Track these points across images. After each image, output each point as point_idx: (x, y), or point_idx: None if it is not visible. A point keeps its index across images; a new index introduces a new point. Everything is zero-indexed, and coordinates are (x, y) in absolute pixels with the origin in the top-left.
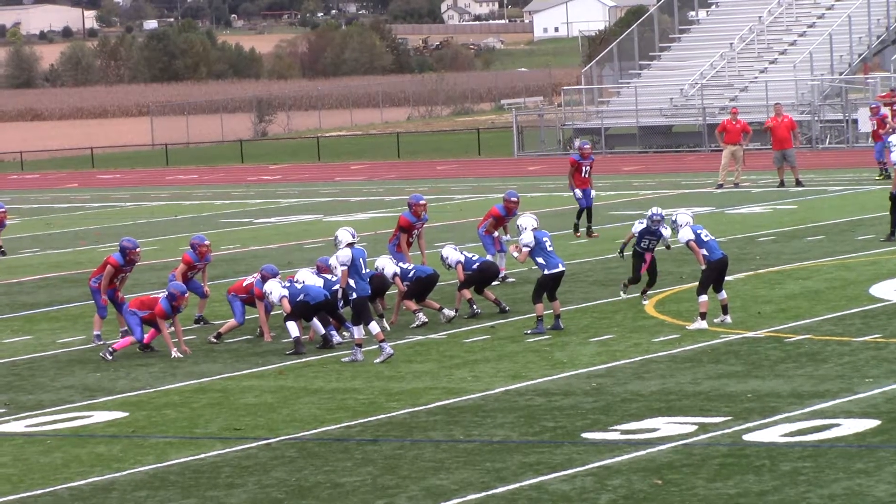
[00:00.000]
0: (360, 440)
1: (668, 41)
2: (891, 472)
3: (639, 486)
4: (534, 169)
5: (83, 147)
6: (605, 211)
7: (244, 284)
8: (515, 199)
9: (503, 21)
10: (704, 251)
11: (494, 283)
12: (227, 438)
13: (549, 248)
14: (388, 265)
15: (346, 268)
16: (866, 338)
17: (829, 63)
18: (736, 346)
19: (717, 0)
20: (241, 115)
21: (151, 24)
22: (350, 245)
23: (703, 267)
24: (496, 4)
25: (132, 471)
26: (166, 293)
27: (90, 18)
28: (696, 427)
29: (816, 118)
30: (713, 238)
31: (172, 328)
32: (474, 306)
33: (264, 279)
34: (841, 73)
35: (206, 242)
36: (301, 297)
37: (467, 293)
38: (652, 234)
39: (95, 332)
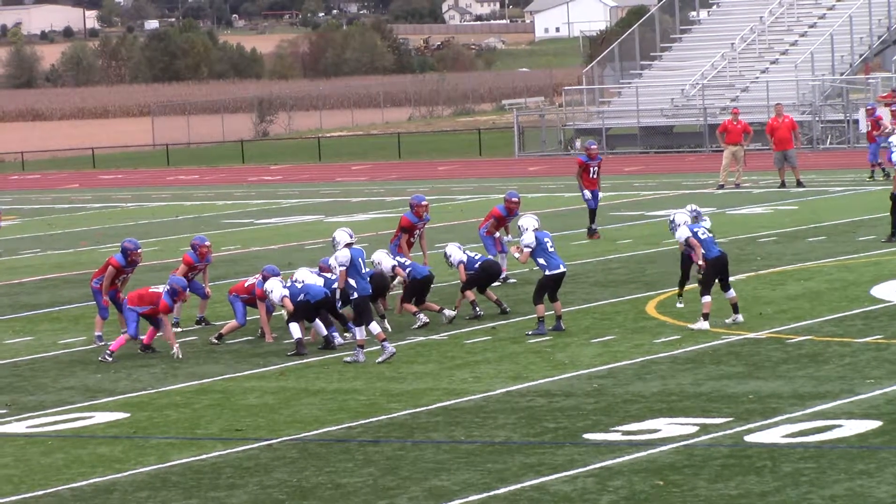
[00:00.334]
0: (362, 441)
1: (670, 41)
2: (892, 473)
3: (640, 486)
4: (535, 169)
5: (84, 147)
6: (606, 212)
7: (245, 285)
8: (516, 200)
9: (504, 21)
10: (703, 250)
11: (495, 283)
12: (229, 439)
13: (551, 249)
14: (384, 258)
15: (344, 268)
16: (867, 339)
17: (830, 63)
18: (737, 347)
19: (719, 0)
20: (243, 116)
21: (153, 24)
22: (348, 245)
23: (700, 263)
24: (497, 4)
25: (133, 471)
26: (168, 287)
27: (91, 18)
28: (697, 428)
29: (817, 118)
30: (711, 236)
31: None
32: (477, 308)
33: (265, 279)
34: (842, 74)
35: (207, 243)
36: (302, 296)
37: (470, 294)
38: (698, 223)
39: (97, 333)
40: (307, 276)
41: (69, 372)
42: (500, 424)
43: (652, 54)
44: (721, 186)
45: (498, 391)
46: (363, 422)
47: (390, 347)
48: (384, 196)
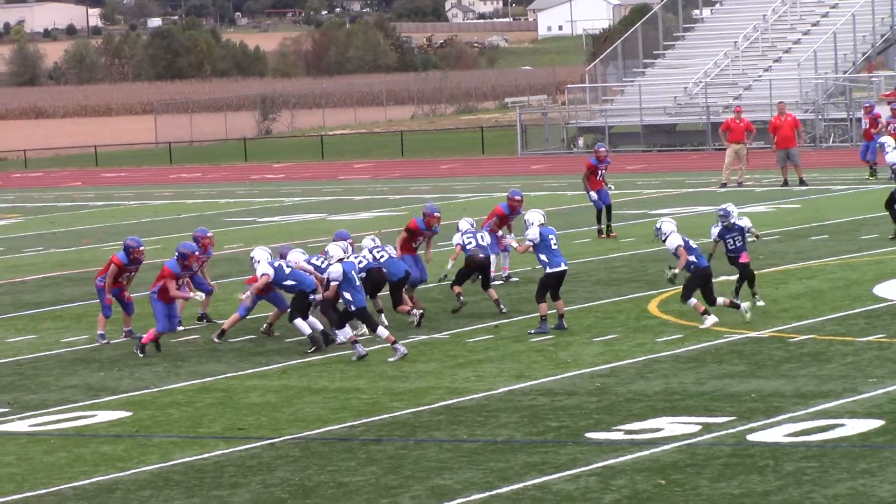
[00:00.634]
0: (364, 440)
1: (673, 39)
2: (894, 472)
3: (643, 486)
4: (537, 167)
5: (87, 145)
6: None
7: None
8: (519, 198)
9: (507, 19)
10: (693, 257)
11: (498, 282)
12: (231, 438)
13: (555, 247)
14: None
15: (336, 283)
16: (870, 338)
17: (833, 62)
18: (739, 346)
19: None
20: (245, 114)
21: (156, 21)
22: (340, 260)
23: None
24: (500, 3)
25: (136, 470)
26: (176, 254)
27: (94, 16)
28: (699, 427)
29: (820, 117)
30: (698, 248)
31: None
32: (461, 298)
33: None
34: (845, 72)
35: (209, 235)
36: (288, 282)
37: (457, 288)
38: (731, 230)
39: (99, 332)
40: (298, 257)
41: (72, 370)
42: (502, 423)
43: (655, 52)
44: (724, 185)
45: (500, 390)
46: (365, 420)
47: (402, 349)
48: (387, 194)
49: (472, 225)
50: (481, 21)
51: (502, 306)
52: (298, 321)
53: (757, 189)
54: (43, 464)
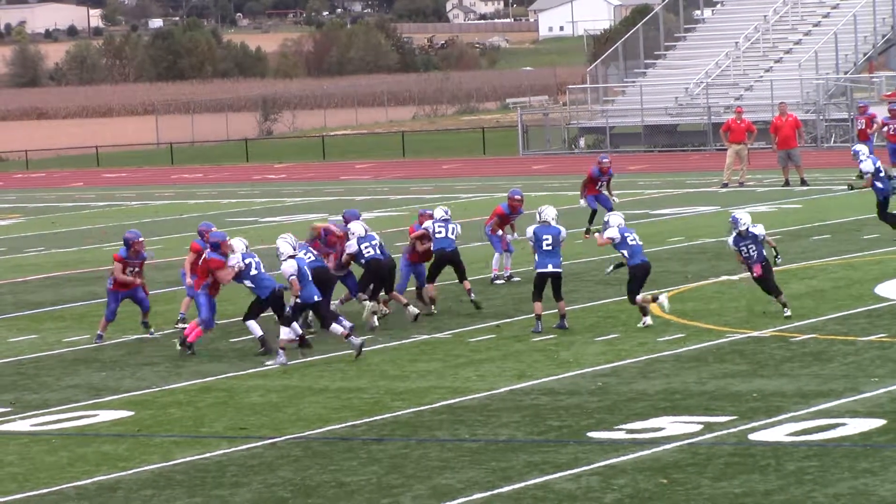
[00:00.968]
0: (366, 439)
1: (674, 40)
2: None
3: (644, 485)
4: (539, 168)
5: (88, 146)
6: None
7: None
8: (519, 198)
9: (508, 20)
10: (625, 252)
11: (499, 281)
12: (233, 438)
13: (547, 247)
14: (284, 246)
15: (294, 277)
16: (871, 337)
17: (834, 62)
18: (741, 346)
19: None
20: (247, 114)
21: (157, 22)
22: (292, 256)
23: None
24: (501, 3)
25: (138, 470)
26: (210, 246)
27: (95, 17)
28: (701, 426)
29: (821, 117)
30: (640, 244)
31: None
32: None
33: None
34: (846, 73)
35: (214, 228)
36: (248, 283)
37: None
38: (744, 238)
39: (98, 332)
40: (286, 248)
41: (73, 370)
42: (504, 423)
43: (656, 53)
44: (725, 185)
45: (502, 389)
46: (367, 420)
47: (356, 340)
48: (388, 195)
49: (446, 213)
50: (482, 22)
51: (472, 296)
52: (250, 322)
53: (758, 189)
54: (45, 463)
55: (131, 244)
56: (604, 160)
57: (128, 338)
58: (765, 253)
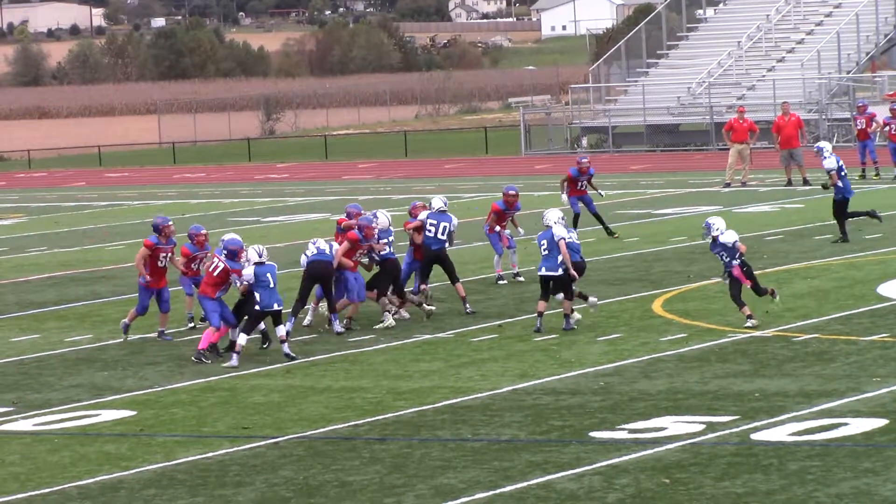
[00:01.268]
0: (368, 439)
1: (676, 39)
2: None
3: (646, 485)
4: (541, 167)
5: (90, 145)
6: (612, 210)
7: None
8: (513, 193)
9: (511, 19)
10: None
11: (502, 281)
12: (235, 437)
13: (544, 252)
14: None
15: (246, 284)
16: (874, 337)
17: (836, 61)
18: (744, 346)
19: None
20: (249, 114)
21: (159, 21)
22: (258, 263)
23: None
24: (504, 2)
25: (140, 469)
26: (223, 253)
27: (98, 16)
28: (703, 426)
29: (824, 117)
30: (578, 243)
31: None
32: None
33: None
34: (848, 72)
35: (203, 231)
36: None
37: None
38: (715, 245)
39: (125, 321)
40: (253, 256)
41: (75, 370)
42: (506, 422)
43: (658, 52)
44: (727, 185)
45: (504, 389)
46: (370, 420)
47: (288, 349)
48: (390, 194)
49: (444, 203)
50: (485, 21)
51: (467, 306)
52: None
53: (760, 189)
54: (47, 463)
55: (161, 229)
56: (582, 160)
57: (130, 337)
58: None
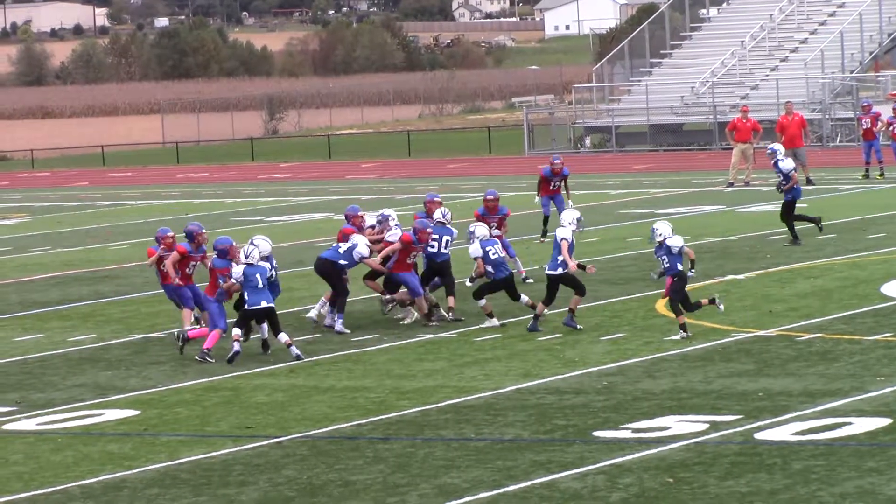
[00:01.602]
0: (372, 438)
1: (680, 39)
2: None
3: (650, 484)
4: (544, 167)
5: (94, 145)
6: (615, 210)
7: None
8: (492, 197)
9: (514, 19)
10: (490, 268)
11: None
12: (239, 437)
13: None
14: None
15: (235, 282)
16: (877, 336)
17: (840, 61)
18: (747, 345)
19: None
20: (252, 113)
21: (162, 21)
22: (248, 265)
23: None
24: (507, 2)
25: (143, 469)
26: (217, 252)
27: (101, 16)
28: (707, 426)
29: (827, 116)
30: (500, 256)
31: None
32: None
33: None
34: (852, 71)
35: (203, 232)
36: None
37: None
38: (660, 248)
39: (186, 328)
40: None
41: (79, 369)
42: (509, 422)
43: (662, 52)
44: (731, 184)
45: (508, 388)
46: (373, 419)
47: (295, 350)
48: (394, 194)
49: (444, 216)
50: (488, 20)
51: (451, 315)
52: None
53: (763, 188)
54: (50, 462)
55: (195, 236)
56: (555, 161)
57: (133, 337)
58: (680, 266)
